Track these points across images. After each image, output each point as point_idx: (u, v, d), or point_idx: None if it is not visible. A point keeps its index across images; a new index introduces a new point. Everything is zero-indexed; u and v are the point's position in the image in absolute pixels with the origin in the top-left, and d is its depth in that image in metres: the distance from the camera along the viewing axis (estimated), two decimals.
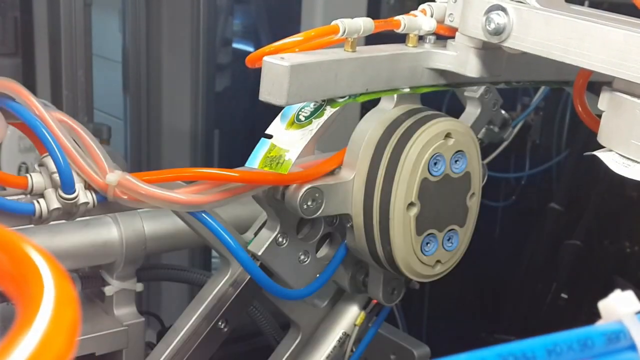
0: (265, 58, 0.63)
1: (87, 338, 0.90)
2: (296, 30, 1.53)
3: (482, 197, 0.80)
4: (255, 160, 0.65)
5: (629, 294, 0.33)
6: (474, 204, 0.79)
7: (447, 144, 0.74)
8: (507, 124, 1.43)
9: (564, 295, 1.85)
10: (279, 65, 0.62)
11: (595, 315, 0.34)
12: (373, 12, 1.66)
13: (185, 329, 0.83)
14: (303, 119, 0.67)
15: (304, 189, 0.69)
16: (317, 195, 0.71)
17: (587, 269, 1.81)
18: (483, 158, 0.80)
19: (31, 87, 1.55)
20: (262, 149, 0.66)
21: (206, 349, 0.85)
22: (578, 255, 1.82)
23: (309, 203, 0.70)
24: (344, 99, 0.67)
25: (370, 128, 0.73)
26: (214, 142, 1.89)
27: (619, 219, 1.79)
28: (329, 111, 0.67)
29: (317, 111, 0.67)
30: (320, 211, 0.72)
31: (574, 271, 1.83)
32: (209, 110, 1.85)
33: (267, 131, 0.68)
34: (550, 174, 2.06)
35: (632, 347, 0.32)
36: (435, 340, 1.09)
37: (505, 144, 1.60)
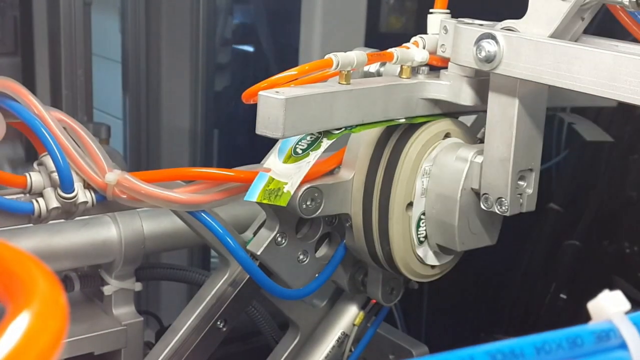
0: (261, 92, 0.64)
1: (85, 337, 0.90)
2: (296, 30, 1.53)
3: None
4: (254, 194, 0.66)
5: (618, 293, 0.33)
6: None
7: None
8: None
9: (563, 296, 1.85)
10: (274, 99, 0.63)
11: None
12: (373, 12, 1.66)
13: (184, 328, 0.83)
14: (300, 151, 0.68)
15: (303, 189, 0.70)
16: (316, 194, 0.71)
17: (586, 269, 1.82)
18: None
19: (30, 86, 1.55)
20: (260, 182, 0.66)
21: (205, 348, 0.85)
22: (577, 256, 1.82)
23: (308, 203, 0.70)
24: (340, 130, 0.68)
25: None
26: (214, 141, 1.89)
27: (618, 219, 1.80)
28: (325, 143, 0.67)
29: (314, 143, 0.68)
30: (319, 211, 0.72)
31: (573, 271, 1.83)
32: (209, 109, 1.86)
33: (265, 165, 0.68)
34: (549, 174, 2.06)
35: (623, 345, 0.32)
36: (434, 339, 1.09)
37: None
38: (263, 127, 0.64)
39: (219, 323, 0.84)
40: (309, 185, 0.70)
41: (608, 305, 0.33)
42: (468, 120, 0.87)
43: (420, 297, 2.02)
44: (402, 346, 0.96)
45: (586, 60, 0.60)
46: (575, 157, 1.88)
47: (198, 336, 0.83)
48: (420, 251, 0.76)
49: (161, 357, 0.83)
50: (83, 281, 0.94)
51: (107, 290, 0.93)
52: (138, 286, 0.96)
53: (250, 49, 2.05)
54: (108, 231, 0.90)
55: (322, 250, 0.81)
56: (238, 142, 2.06)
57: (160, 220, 0.93)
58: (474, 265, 1.30)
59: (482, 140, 0.75)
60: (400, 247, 0.74)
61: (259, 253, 0.75)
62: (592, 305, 0.33)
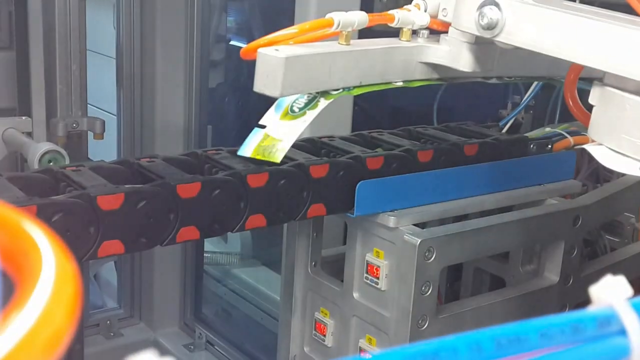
0: (260, 50, 0.63)
1: None
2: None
3: None
4: (248, 149, 0.66)
5: (620, 278, 0.33)
6: None
7: None
8: None
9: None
10: (273, 57, 0.63)
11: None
12: (366, 10, 1.67)
13: None
14: (297, 110, 0.68)
15: None
16: None
17: None
18: None
19: (25, 81, 1.55)
20: (254, 137, 0.66)
21: None
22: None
23: None
24: (338, 91, 0.68)
25: None
26: (207, 137, 1.90)
27: None
28: (323, 103, 0.67)
29: (310, 103, 0.68)
30: None
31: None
32: (202, 106, 1.86)
33: (261, 121, 0.68)
34: None
35: (622, 331, 0.32)
36: None
37: None
38: (261, 85, 0.63)
39: None
40: None
41: (610, 290, 0.32)
42: None
43: None
44: None
45: (589, 33, 0.58)
46: None
47: None
48: None
49: None
50: None
51: None
52: None
53: (244, 45, 2.05)
54: None
55: None
56: (231, 138, 2.06)
57: None
58: None
59: None
60: None
61: None
62: (594, 290, 0.33)
